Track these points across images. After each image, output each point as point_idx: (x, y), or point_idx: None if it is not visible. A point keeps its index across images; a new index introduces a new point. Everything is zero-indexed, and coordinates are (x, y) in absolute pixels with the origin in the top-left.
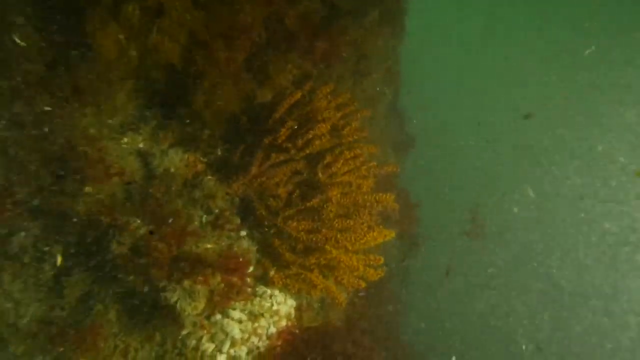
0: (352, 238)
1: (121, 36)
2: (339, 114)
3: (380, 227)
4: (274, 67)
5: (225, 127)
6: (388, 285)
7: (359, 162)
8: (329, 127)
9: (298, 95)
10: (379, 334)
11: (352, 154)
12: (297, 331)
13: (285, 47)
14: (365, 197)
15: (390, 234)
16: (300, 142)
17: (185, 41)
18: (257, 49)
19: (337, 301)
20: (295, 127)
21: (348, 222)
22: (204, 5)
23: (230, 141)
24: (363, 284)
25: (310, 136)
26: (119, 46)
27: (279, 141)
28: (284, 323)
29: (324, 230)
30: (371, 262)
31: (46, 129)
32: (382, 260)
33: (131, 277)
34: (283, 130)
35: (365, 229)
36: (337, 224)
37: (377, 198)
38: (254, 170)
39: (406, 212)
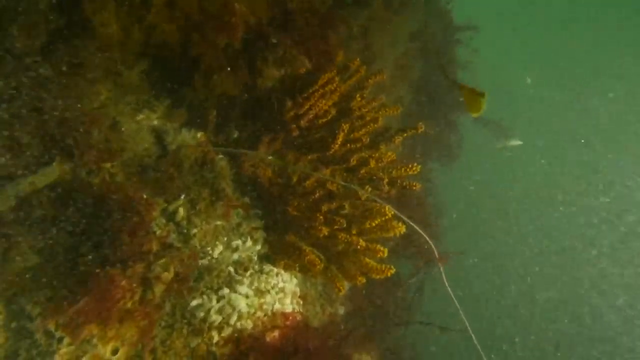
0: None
1: (123, 16)
2: (347, 83)
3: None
4: (273, 54)
5: (231, 108)
6: None
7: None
8: (330, 102)
9: (304, 67)
10: None
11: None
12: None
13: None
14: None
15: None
16: (302, 122)
17: (182, 22)
18: (256, 33)
19: (336, 287)
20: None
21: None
22: None
23: (240, 122)
24: (363, 280)
25: (311, 115)
26: (122, 26)
27: (288, 122)
28: (288, 300)
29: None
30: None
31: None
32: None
33: None
34: (286, 109)
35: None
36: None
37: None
38: (262, 151)
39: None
